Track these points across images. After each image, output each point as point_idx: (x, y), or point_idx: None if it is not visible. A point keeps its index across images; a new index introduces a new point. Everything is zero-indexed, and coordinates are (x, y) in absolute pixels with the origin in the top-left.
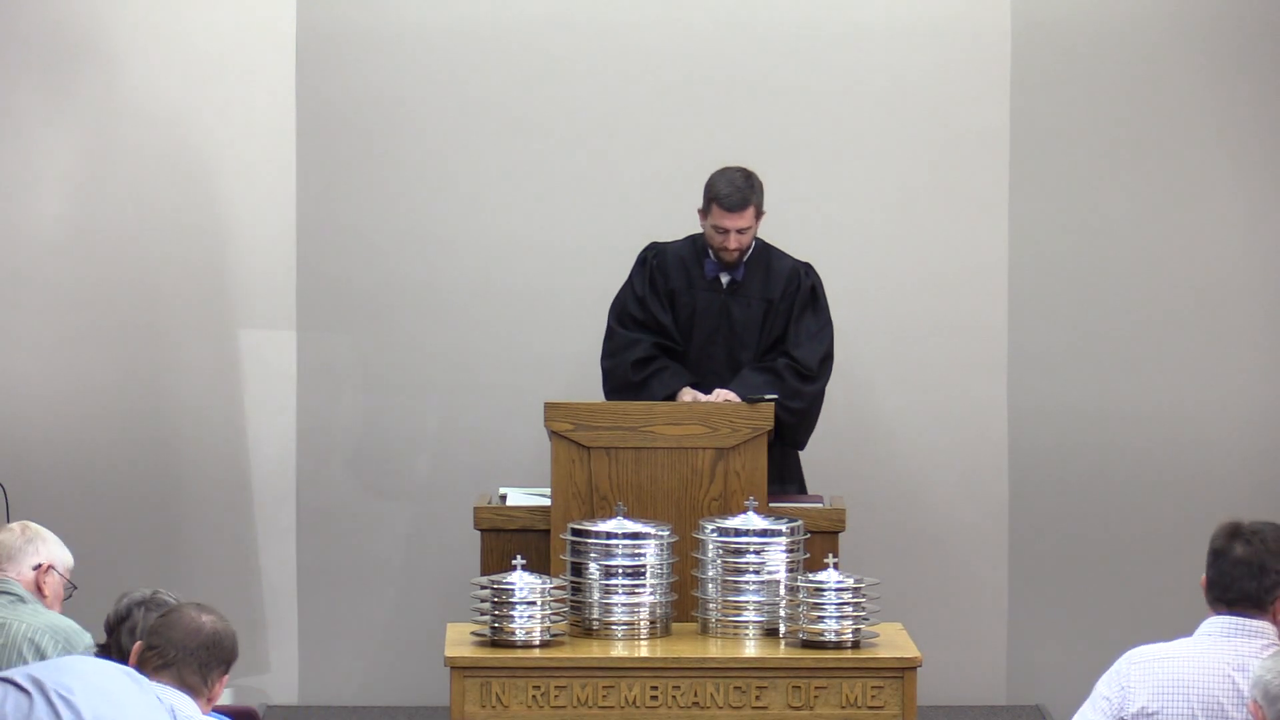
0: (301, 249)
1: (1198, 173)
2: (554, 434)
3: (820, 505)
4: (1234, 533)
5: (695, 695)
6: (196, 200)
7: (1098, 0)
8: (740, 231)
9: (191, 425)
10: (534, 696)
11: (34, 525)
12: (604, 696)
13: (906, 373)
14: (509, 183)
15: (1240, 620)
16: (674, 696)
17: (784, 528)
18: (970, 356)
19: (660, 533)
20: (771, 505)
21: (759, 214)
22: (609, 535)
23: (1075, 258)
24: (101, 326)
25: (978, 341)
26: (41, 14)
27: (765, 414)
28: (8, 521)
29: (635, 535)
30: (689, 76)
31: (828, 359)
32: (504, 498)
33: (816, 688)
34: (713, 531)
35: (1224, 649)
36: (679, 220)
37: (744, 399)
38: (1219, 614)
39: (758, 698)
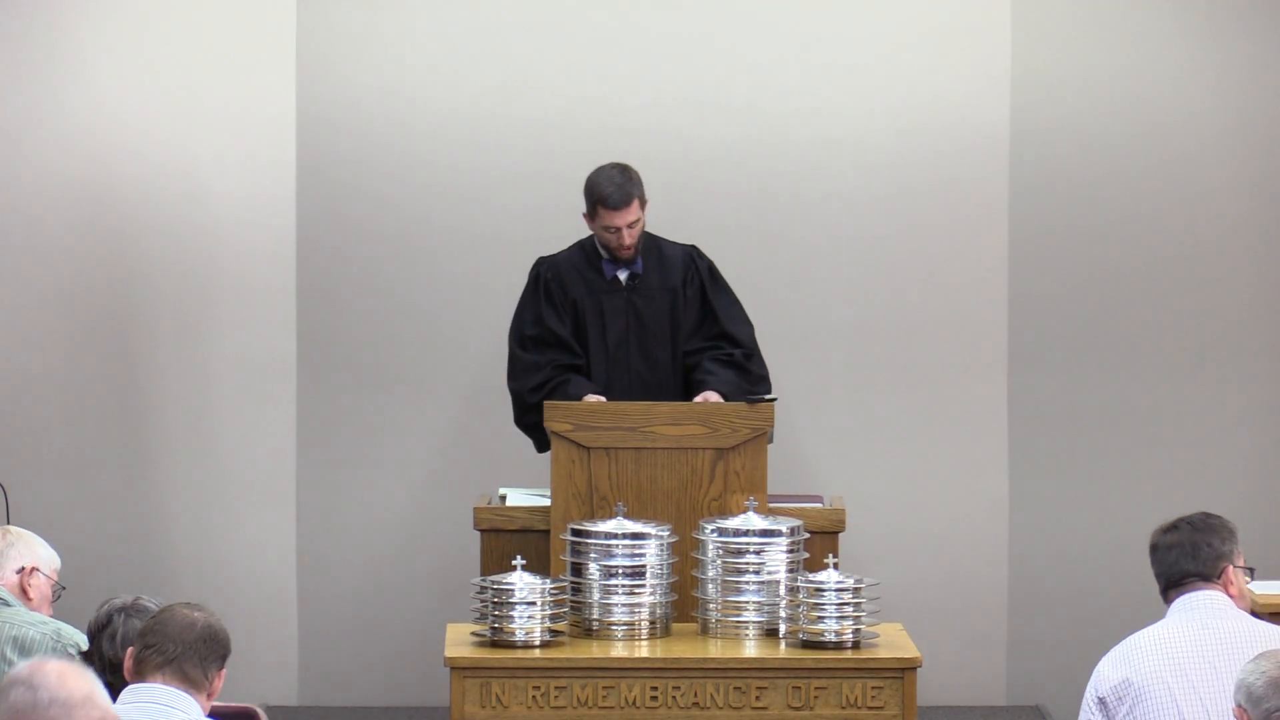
0: (301, 249)
1: (1198, 172)
2: (554, 434)
3: (820, 505)
4: (1164, 529)
5: (695, 695)
6: (197, 200)
7: (1098, 1)
8: (630, 226)
9: (192, 425)
10: (534, 697)
11: (15, 528)
12: (604, 697)
13: (906, 373)
14: (508, 182)
15: (1190, 594)
16: (674, 697)
17: (784, 528)
18: (970, 356)
19: (660, 533)
20: (771, 505)
21: (643, 204)
22: (609, 535)
23: (1075, 258)
24: (102, 327)
25: (978, 341)
26: (38, 10)
27: (765, 414)
28: (8, 521)
29: (635, 535)
30: (689, 77)
31: (753, 334)
32: (504, 498)
33: (816, 688)
34: (713, 531)
35: (1184, 620)
36: (680, 221)
37: (743, 399)
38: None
39: (758, 698)
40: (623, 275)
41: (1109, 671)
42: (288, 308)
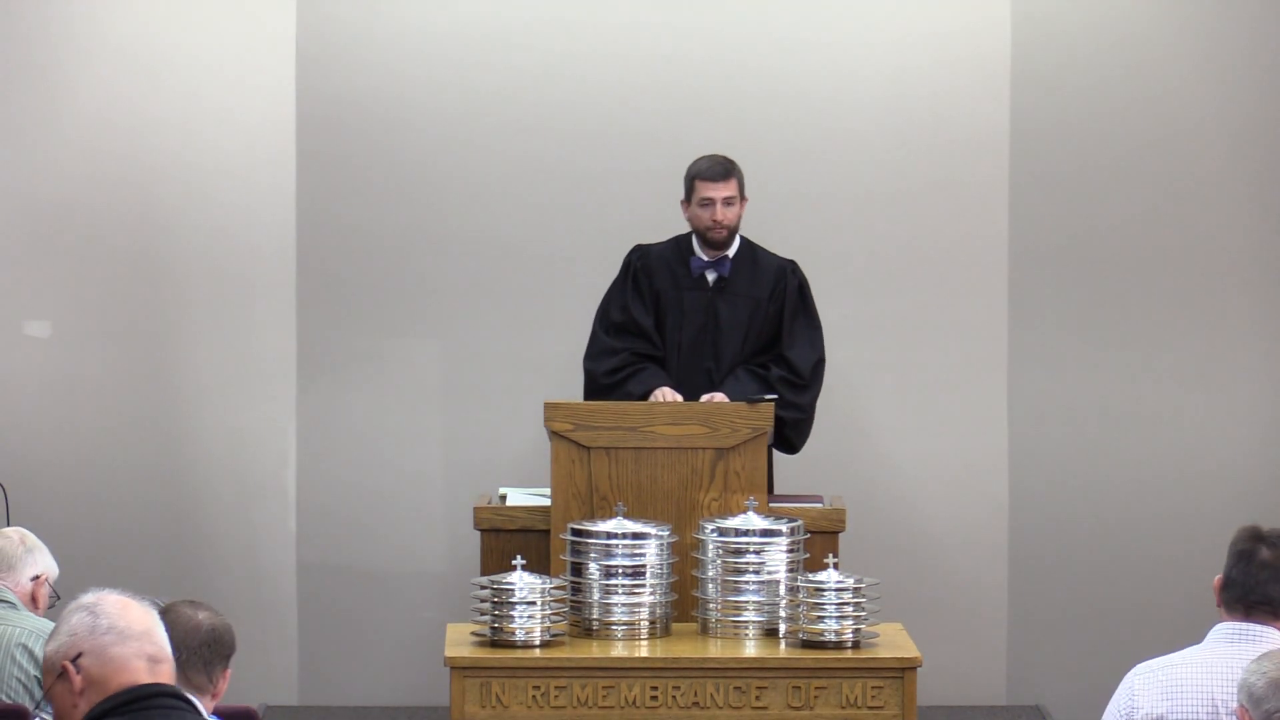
0: (301, 249)
1: (1198, 172)
2: (554, 434)
3: (820, 505)
4: (1259, 536)
5: (695, 695)
6: (197, 200)
7: (1098, 1)
8: (726, 203)
9: (191, 425)
10: (534, 696)
11: (29, 534)
12: (604, 696)
13: (906, 373)
14: (508, 182)
15: (1248, 626)
16: (674, 697)
17: (784, 528)
18: (970, 356)
19: (660, 533)
20: (771, 505)
21: (743, 193)
22: (609, 535)
23: (1075, 258)
24: (102, 326)
25: (978, 341)
26: (42, 14)
27: (765, 414)
28: (8, 522)
29: (635, 535)
30: (689, 77)
31: (820, 364)
32: (504, 498)
33: (816, 688)
34: (713, 531)
35: (1229, 654)
36: (680, 221)
37: (744, 399)
38: (1231, 620)
39: (758, 698)
40: (710, 275)
41: (1146, 702)
42: (288, 306)
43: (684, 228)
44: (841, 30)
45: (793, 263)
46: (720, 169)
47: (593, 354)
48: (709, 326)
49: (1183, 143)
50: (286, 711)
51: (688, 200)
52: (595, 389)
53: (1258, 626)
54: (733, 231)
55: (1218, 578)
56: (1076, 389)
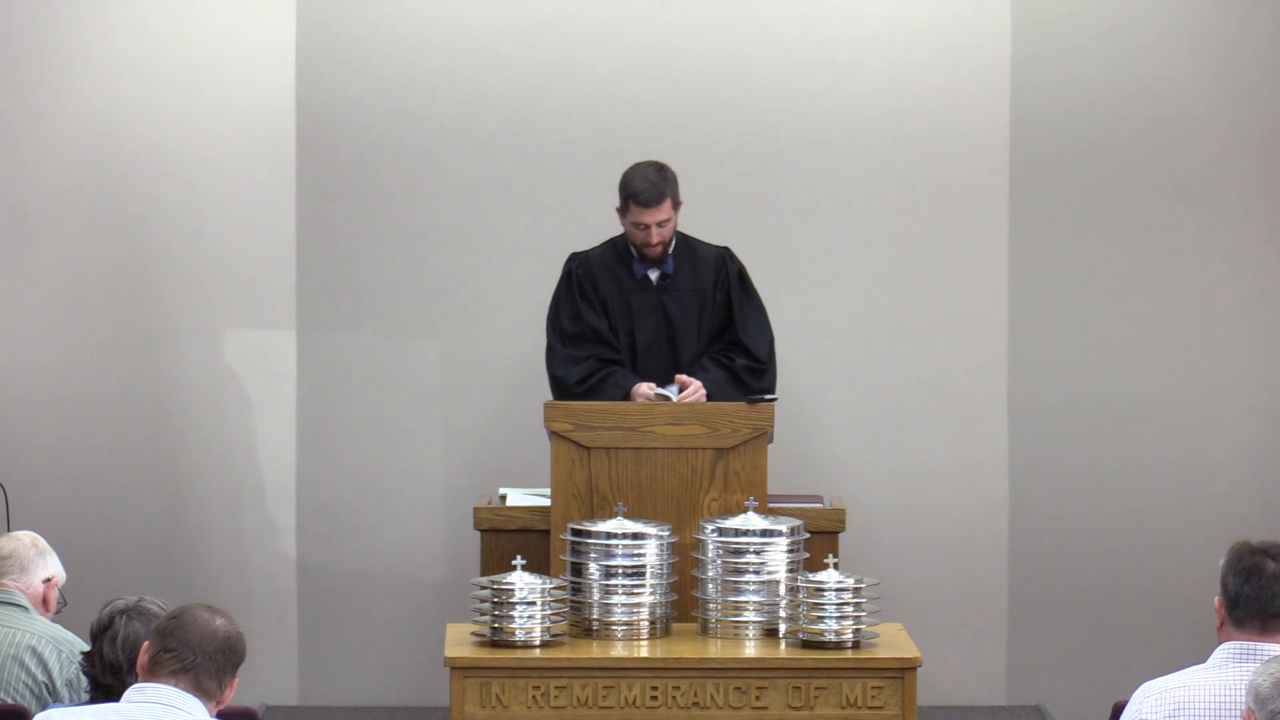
0: (301, 249)
1: (1198, 172)
2: (554, 434)
3: (820, 505)
4: (1261, 550)
5: (695, 695)
6: (197, 200)
7: (1098, 0)
8: (660, 225)
9: (192, 425)
10: (534, 696)
11: (40, 538)
12: (604, 697)
13: (906, 373)
14: (508, 182)
15: (1256, 645)
16: (674, 697)
17: (784, 528)
18: (970, 356)
19: (660, 533)
20: (771, 505)
21: (676, 205)
22: (609, 535)
23: (1075, 258)
24: (102, 327)
25: (978, 341)
26: (41, 14)
27: (765, 414)
28: (8, 522)
29: (635, 535)
30: (688, 77)
31: (773, 343)
32: (504, 498)
33: (816, 688)
34: (713, 531)
35: (1238, 676)
36: (684, 221)
37: (744, 399)
38: (1243, 638)
39: (758, 698)
40: (653, 275)
41: (1152, 717)
42: (288, 307)
43: (617, 229)
44: (841, 30)
45: (727, 249)
46: (653, 193)
47: (554, 363)
48: (660, 325)
49: (1182, 141)
50: (286, 711)
51: (624, 211)
52: (565, 394)
53: (1266, 645)
54: (668, 246)
55: (1218, 599)
56: (1076, 389)
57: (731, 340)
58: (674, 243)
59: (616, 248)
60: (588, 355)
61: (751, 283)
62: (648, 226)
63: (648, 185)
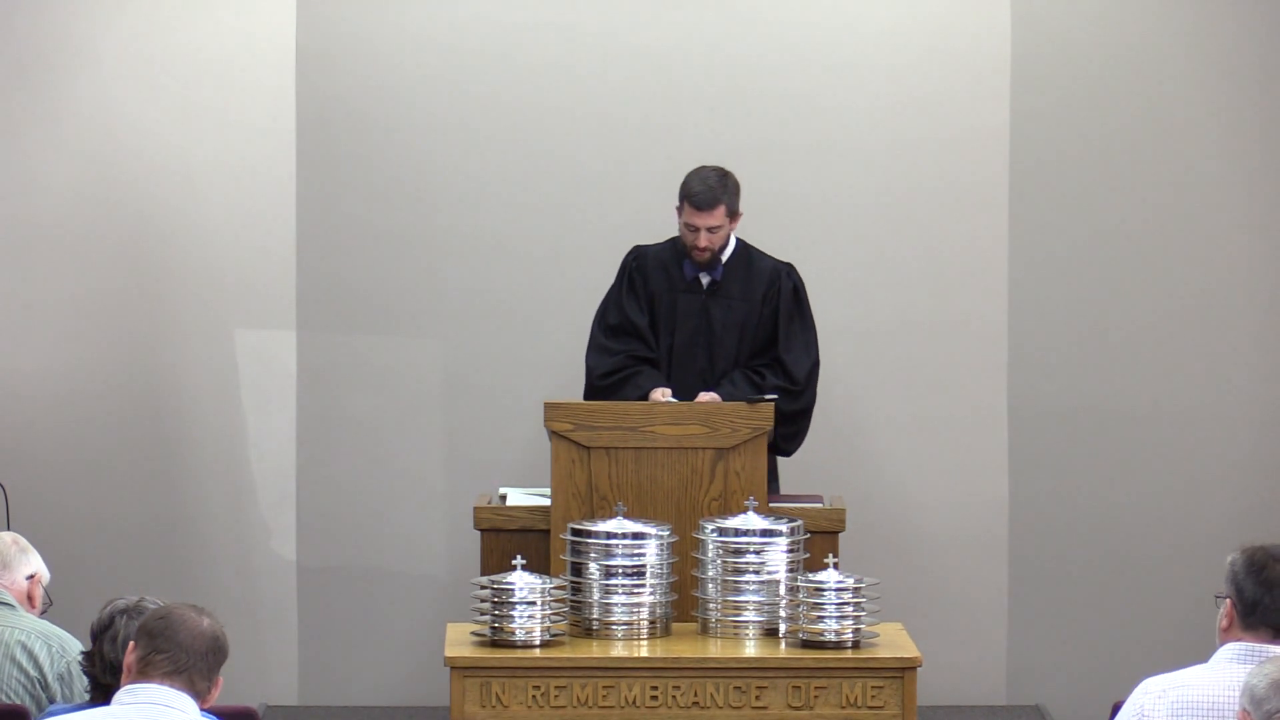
0: (301, 249)
1: (1198, 172)
2: (554, 434)
3: (820, 505)
4: (1269, 553)
5: (695, 695)
6: (197, 200)
7: (1097, 0)
8: (710, 230)
9: (192, 425)
10: (534, 696)
11: (20, 537)
12: (604, 696)
13: (906, 373)
14: (508, 182)
15: (1260, 646)
16: (674, 696)
17: (784, 528)
18: (970, 356)
19: (660, 533)
20: (771, 505)
21: (731, 214)
22: (609, 535)
23: (1075, 258)
24: (102, 326)
25: (978, 341)
26: (39, 18)
27: (765, 414)
28: (8, 522)
29: (635, 535)
30: (688, 77)
31: (815, 368)
32: (504, 498)
33: (816, 688)
34: (713, 531)
35: (1241, 674)
36: (676, 222)
37: (744, 399)
38: (1254, 639)
39: (758, 698)
40: (704, 279)
41: (1153, 714)
42: (288, 306)
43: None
44: (841, 30)
45: (789, 265)
46: (707, 196)
47: (590, 352)
48: (701, 329)
49: (1183, 142)
50: (286, 711)
51: (680, 211)
52: (592, 389)
53: (1274, 648)
54: (717, 253)
55: (1226, 604)
56: (1076, 390)
57: (773, 357)
58: (733, 249)
59: (676, 245)
60: (621, 350)
61: (807, 302)
62: (697, 230)
63: (705, 189)
